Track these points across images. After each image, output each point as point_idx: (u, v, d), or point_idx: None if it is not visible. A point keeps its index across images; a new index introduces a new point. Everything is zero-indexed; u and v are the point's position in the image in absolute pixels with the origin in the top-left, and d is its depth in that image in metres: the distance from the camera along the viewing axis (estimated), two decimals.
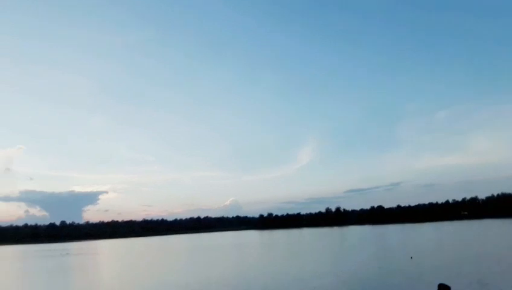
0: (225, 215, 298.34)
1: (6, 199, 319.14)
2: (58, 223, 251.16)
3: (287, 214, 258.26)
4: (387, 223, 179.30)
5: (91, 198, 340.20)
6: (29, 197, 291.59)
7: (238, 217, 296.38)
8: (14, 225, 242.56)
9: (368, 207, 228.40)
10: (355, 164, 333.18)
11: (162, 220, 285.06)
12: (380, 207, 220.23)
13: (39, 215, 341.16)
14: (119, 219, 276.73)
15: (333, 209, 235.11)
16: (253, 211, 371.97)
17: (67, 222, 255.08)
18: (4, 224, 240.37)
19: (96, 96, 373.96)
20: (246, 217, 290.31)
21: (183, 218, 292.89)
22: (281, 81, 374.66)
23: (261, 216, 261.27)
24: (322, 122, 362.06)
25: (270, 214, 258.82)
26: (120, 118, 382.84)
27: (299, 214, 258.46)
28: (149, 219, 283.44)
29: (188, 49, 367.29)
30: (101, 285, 36.05)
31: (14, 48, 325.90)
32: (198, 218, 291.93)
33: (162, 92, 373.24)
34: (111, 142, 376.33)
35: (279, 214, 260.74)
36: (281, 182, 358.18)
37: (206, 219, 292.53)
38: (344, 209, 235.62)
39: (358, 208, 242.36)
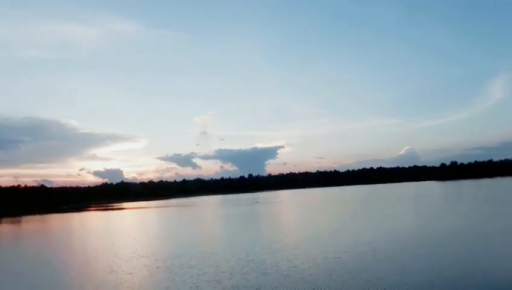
0: (400, 166, 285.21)
1: (206, 157, 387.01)
2: (246, 176, 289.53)
3: (475, 162, 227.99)
4: None
5: (271, 153, 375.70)
6: (222, 155, 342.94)
7: (415, 166, 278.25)
8: (213, 178, 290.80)
9: None
10: None
11: (335, 171, 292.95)
12: None
13: (231, 170, 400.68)
14: (296, 171, 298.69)
15: None
16: (432, 160, 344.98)
17: (253, 174, 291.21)
18: (206, 178, 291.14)
19: (267, 58, 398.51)
20: (424, 167, 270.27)
21: (355, 169, 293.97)
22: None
23: (443, 165, 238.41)
24: None
25: (453, 163, 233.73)
26: (294, 74, 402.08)
27: (490, 161, 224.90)
28: (322, 170, 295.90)
29: None
30: (295, 226, 40.63)
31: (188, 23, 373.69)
32: (371, 169, 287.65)
33: (326, 42, 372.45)
34: (285, 100, 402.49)
35: (465, 162, 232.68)
36: (466, 125, 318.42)
37: (380, 169, 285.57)
38: None
39: None
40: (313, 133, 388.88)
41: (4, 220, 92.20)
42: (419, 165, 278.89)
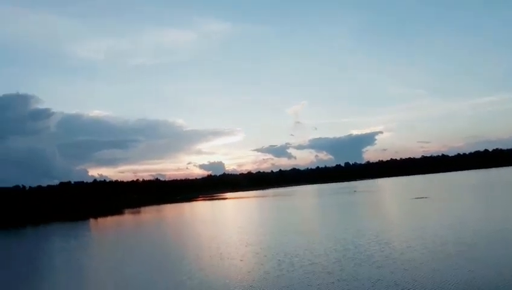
0: None
1: (300, 147, 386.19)
2: (342, 164, 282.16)
3: None
4: None
5: (368, 139, 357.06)
6: (316, 144, 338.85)
7: None
8: (309, 168, 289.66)
9: None
10: None
11: (443, 155, 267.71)
12: None
13: (326, 159, 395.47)
14: (397, 157, 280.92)
15: None
16: None
17: (350, 162, 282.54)
18: (302, 168, 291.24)
19: (359, 41, 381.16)
20: None
21: (467, 152, 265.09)
22: None
23: None
24: None
25: None
26: (384, 55, 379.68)
27: None
28: (428, 155, 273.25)
29: None
30: (399, 215, 38.19)
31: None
32: (486, 151, 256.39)
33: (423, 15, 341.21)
34: (379, 81, 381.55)
35: None
36: None
37: (496, 151, 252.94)
38: None
39: None
40: (413, 115, 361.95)
41: (127, 210, 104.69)
42: None
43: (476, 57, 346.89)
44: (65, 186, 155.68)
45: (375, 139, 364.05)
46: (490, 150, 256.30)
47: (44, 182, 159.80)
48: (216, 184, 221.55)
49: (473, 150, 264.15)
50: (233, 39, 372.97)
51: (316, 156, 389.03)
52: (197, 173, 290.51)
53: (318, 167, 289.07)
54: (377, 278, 16.71)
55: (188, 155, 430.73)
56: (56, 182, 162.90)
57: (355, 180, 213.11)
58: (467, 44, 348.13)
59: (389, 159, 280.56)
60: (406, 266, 18.29)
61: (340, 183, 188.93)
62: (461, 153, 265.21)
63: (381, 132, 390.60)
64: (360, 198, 72.82)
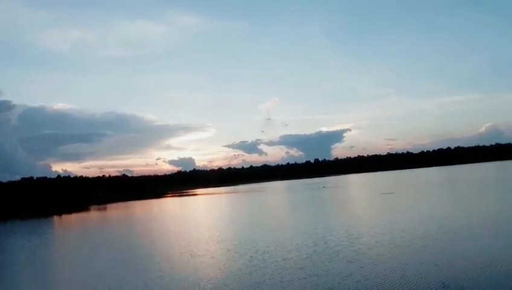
0: (480, 144, 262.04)
1: (271, 143, 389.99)
2: (312, 160, 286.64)
3: None
4: None
5: (337, 136, 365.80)
6: (287, 141, 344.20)
7: (498, 145, 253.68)
8: (280, 164, 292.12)
9: None
10: None
11: (407, 153, 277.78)
12: None
13: (296, 155, 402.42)
14: (364, 154, 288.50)
15: None
16: None
17: (320, 159, 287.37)
18: (272, 164, 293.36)
19: (329, 40, 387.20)
20: (509, 144, 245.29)
21: (431, 150, 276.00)
22: None
23: None
24: None
25: None
26: (355, 54, 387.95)
27: None
28: (393, 152, 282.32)
29: None
30: (367, 211, 39.12)
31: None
32: (448, 149, 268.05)
33: (390, 16, 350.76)
34: (350, 80, 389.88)
35: None
36: None
37: (458, 149, 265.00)
38: None
39: None
40: (381, 114, 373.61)
41: (93, 207, 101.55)
42: (503, 142, 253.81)
43: (443, 58, 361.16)
44: (27, 182, 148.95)
45: (343, 137, 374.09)
46: (453, 147, 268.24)
47: (5, 178, 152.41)
48: (186, 180, 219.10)
49: (436, 148, 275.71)
50: (206, 34, 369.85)
51: (287, 152, 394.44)
52: (167, 168, 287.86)
53: (289, 163, 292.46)
54: (347, 273, 16.98)
55: (158, 150, 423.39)
56: (17, 177, 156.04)
57: (325, 176, 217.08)
58: (435, 44, 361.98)
59: (356, 155, 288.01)
60: (375, 260, 18.69)
61: (310, 179, 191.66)
62: (425, 151, 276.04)
63: (349, 130, 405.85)
64: (329, 194, 74.13)
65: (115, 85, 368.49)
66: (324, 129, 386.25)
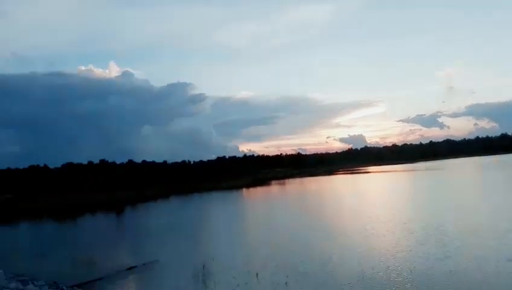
0: None
1: (454, 115, 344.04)
2: (509, 133, 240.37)
3: None
4: None
5: None
6: (475, 111, 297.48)
7: None
8: (466, 138, 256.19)
9: None
10: None
11: None
12: None
13: (488, 127, 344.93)
14: None
15: None
16: None
17: None
18: (457, 138, 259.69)
19: None
20: None
21: None
22: None
23: None
24: None
25: None
26: None
27: None
28: None
29: None
30: None
31: None
32: None
33: None
34: None
35: None
36: None
37: None
38: None
39: None
40: None
41: (273, 182, 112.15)
42: None
43: None
44: (221, 160, 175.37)
45: None
46: None
47: (205, 157, 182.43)
48: (357, 157, 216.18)
49: None
50: (369, 5, 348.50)
51: (475, 124, 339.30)
52: (337, 146, 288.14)
53: (478, 137, 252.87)
54: None
55: (327, 129, 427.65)
56: (213, 157, 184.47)
57: None
58: None
59: None
60: None
61: (507, 155, 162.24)
62: None
63: None
64: None
65: (285, 70, 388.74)
66: None
